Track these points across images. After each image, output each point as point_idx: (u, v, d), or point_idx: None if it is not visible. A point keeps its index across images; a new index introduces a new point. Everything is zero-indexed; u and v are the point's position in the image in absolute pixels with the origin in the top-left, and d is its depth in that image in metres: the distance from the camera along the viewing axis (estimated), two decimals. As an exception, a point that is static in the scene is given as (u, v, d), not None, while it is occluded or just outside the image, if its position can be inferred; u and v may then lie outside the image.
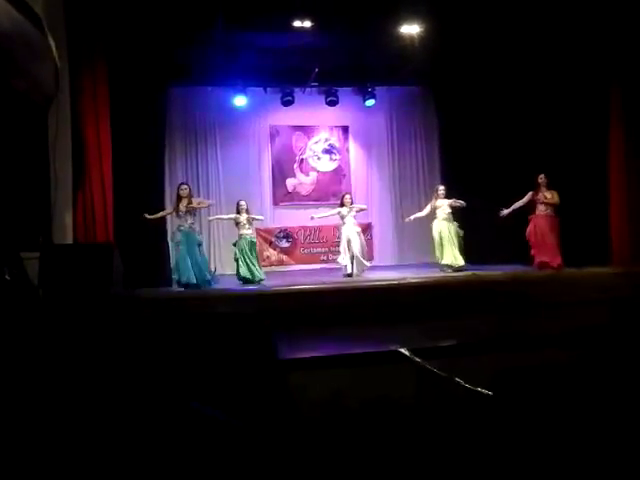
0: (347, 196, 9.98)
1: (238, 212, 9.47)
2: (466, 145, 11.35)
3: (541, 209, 9.12)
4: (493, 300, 7.27)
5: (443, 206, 9.73)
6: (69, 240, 7.65)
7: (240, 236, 9.32)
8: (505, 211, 9.29)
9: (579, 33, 8.91)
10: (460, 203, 9.66)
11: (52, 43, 5.91)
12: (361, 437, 3.27)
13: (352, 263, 9.43)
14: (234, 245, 9.32)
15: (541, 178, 9.15)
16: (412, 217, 10.14)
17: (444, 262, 9.52)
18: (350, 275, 9.35)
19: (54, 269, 6.03)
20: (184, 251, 8.49)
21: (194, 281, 8.36)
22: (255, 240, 9.65)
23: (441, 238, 9.60)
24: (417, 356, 4.70)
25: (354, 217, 9.80)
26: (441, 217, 9.71)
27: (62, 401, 0.71)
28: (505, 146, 10.49)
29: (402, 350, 4.88)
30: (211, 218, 10.72)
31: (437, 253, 9.70)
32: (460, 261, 9.49)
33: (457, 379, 3.99)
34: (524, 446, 2.92)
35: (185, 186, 9.00)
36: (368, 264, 9.87)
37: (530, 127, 10.07)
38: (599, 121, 9.09)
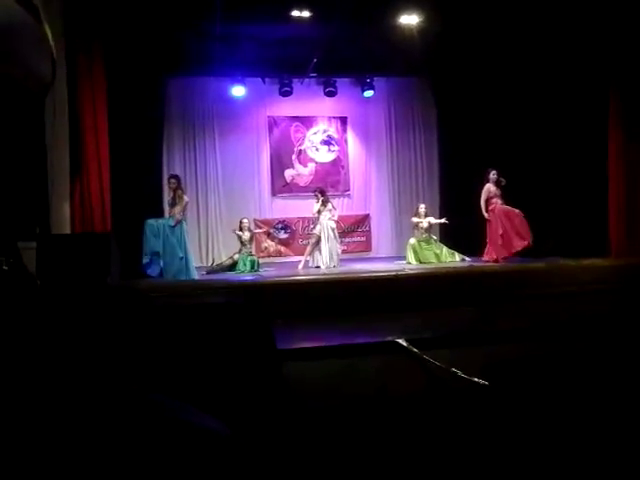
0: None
1: (240, 229, 9.87)
2: (464, 136, 11.33)
3: (498, 202, 9.36)
4: (489, 290, 7.28)
5: (422, 227, 10.21)
6: (67, 230, 7.65)
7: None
8: (486, 215, 9.45)
9: (580, 25, 8.87)
10: (441, 222, 10.47)
11: (48, 32, 5.87)
12: (359, 428, 3.28)
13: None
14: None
15: (493, 174, 9.36)
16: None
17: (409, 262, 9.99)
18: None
19: (51, 259, 6.02)
20: (164, 242, 8.40)
21: (157, 272, 8.28)
22: (257, 258, 9.96)
23: (414, 249, 10.06)
24: (414, 346, 4.72)
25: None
26: (418, 235, 10.23)
27: (60, 393, 0.71)
28: (503, 138, 10.46)
29: (399, 340, 4.89)
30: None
31: (409, 254, 10.10)
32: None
33: (454, 369, 4.01)
34: (518, 435, 2.93)
35: (173, 179, 8.95)
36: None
37: (529, 119, 10.06)
38: (598, 114, 9.07)
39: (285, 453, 1.17)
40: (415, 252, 10.02)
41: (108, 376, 0.97)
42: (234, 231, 10.12)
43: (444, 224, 10.57)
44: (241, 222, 9.99)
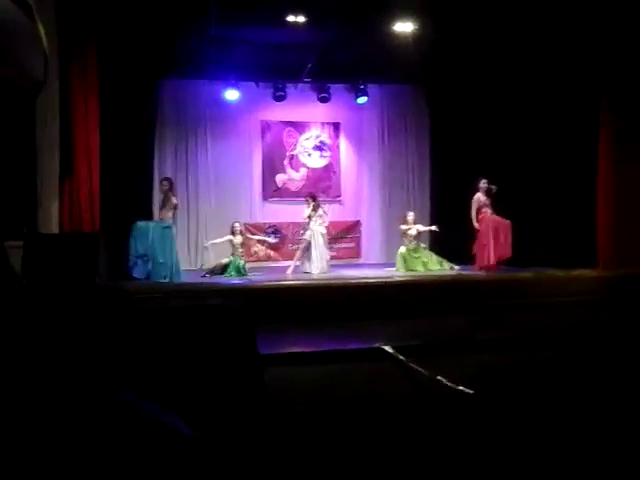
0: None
1: (232, 233, 9.73)
2: (457, 144, 11.38)
3: (488, 211, 9.47)
4: (477, 299, 7.31)
5: (410, 235, 10.18)
6: (55, 230, 7.59)
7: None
8: (477, 225, 9.54)
9: (573, 38, 8.94)
10: (431, 229, 10.42)
11: (42, 30, 5.86)
12: (343, 433, 3.28)
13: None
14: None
15: (483, 183, 9.48)
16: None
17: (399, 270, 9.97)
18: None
19: (38, 258, 5.98)
20: (152, 244, 8.30)
21: (144, 275, 8.22)
22: (244, 262, 9.81)
23: (402, 257, 10.05)
24: (401, 353, 4.72)
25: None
26: (407, 243, 10.18)
27: (44, 392, 0.70)
28: (495, 146, 10.53)
29: (386, 347, 4.90)
30: (207, 244, 10.45)
31: (398, 263, 10.10)
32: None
33: (439, 377, 4.02)
34: (503, 442, 2.94)
35: (165, 182, 8.91)
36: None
37: (521, 128, 10.12)
38: (589, 125, 9.13)
39: (264, 455, 1.17)
40: (405, 261, 10.01)
41: (88, 376, 0.96)
42: (205, 246, 9.98)
43: (435, 232, 10.55)
44: (233, 226, 9.90)
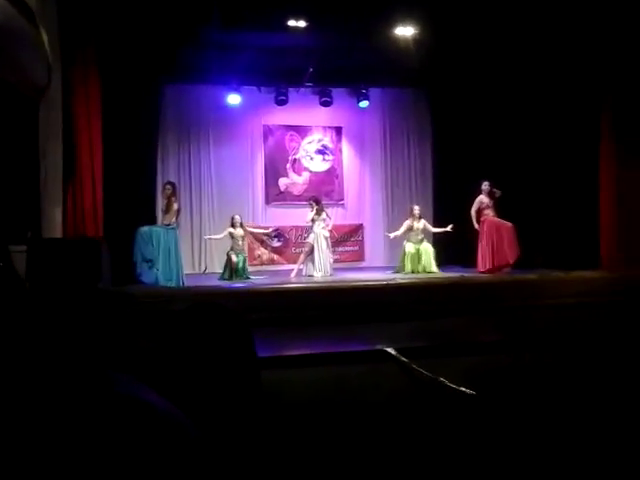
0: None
1: (232, 226, 9.76)
2: (459, 147, 11.40)
3: (490, 213, 9.49)
4: (480, 301, 7.32)
5: (417, 229, 10.14)
6: (58, 235, 7.63)
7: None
8: (476, 225, 9.57)
9: (575, 42, 8.95)
10: (446, 230, 10.07)
11: (44, 37, 5.90)
12: (343, 434, 3.29)
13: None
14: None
15: (485, 185, 9.52)
16: (392, 235, 10.49)
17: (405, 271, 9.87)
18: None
19: (41, 263, 6.02)
20: (157, 249, 8.34)
21: (152, 280, 8.24)
22: (245, 258, 9.85)
23: (411, 256, 9.97)
24: (403, 355, 4.74)
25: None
26: (414, 239, 10.11)
27: (44, 395, 0.73)
28: (497, 149, 10.54)
29: (388, 349, 4.92)
30: (206, 237, 11.01)
31: (401, 263, 10.10)
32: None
33: (441, 378, 4.04)
34: (504, 442, 2.95)
35: (168, 186, 8.94)
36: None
37: (523, 131, 10.13)
38: (591, 127, 9.16)
39: (259, 457, 1.18)
40: (410, 260, 9.93)
41: (84, 366, 0.99)
42: (208, 237, 10.38)
43: (445, 232, 10.22)
44: (233, 218, 9.88)
